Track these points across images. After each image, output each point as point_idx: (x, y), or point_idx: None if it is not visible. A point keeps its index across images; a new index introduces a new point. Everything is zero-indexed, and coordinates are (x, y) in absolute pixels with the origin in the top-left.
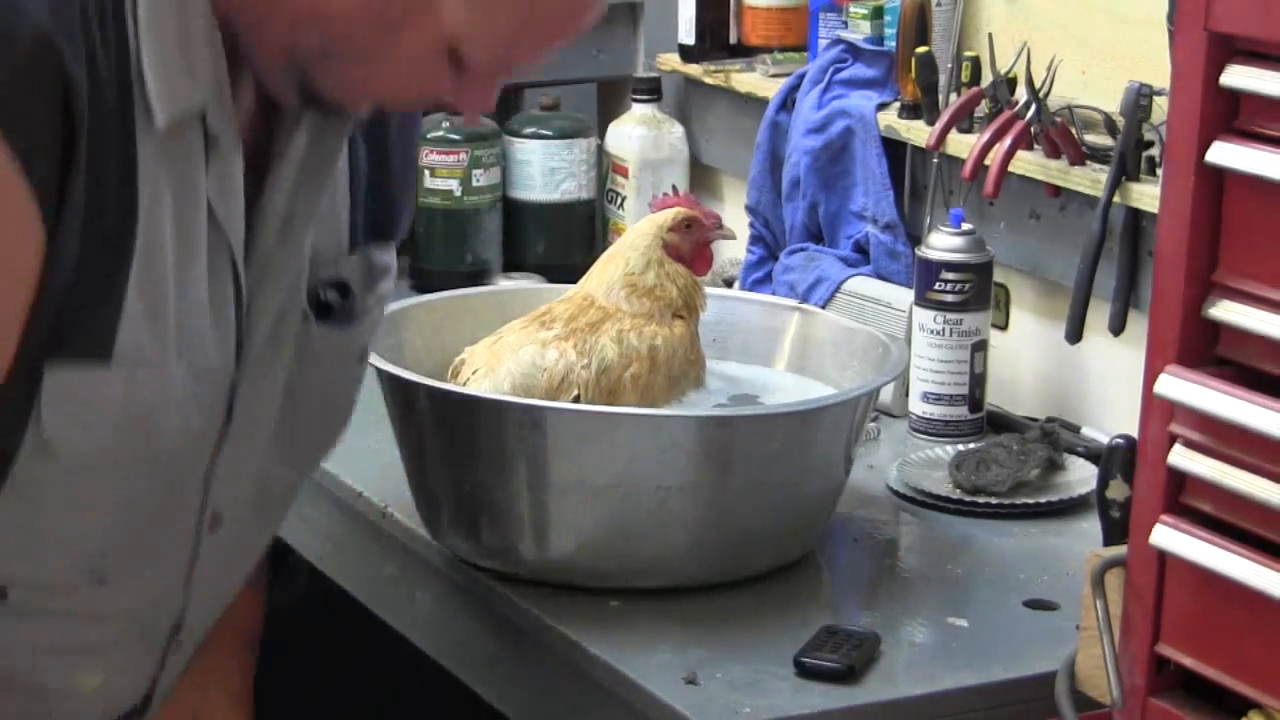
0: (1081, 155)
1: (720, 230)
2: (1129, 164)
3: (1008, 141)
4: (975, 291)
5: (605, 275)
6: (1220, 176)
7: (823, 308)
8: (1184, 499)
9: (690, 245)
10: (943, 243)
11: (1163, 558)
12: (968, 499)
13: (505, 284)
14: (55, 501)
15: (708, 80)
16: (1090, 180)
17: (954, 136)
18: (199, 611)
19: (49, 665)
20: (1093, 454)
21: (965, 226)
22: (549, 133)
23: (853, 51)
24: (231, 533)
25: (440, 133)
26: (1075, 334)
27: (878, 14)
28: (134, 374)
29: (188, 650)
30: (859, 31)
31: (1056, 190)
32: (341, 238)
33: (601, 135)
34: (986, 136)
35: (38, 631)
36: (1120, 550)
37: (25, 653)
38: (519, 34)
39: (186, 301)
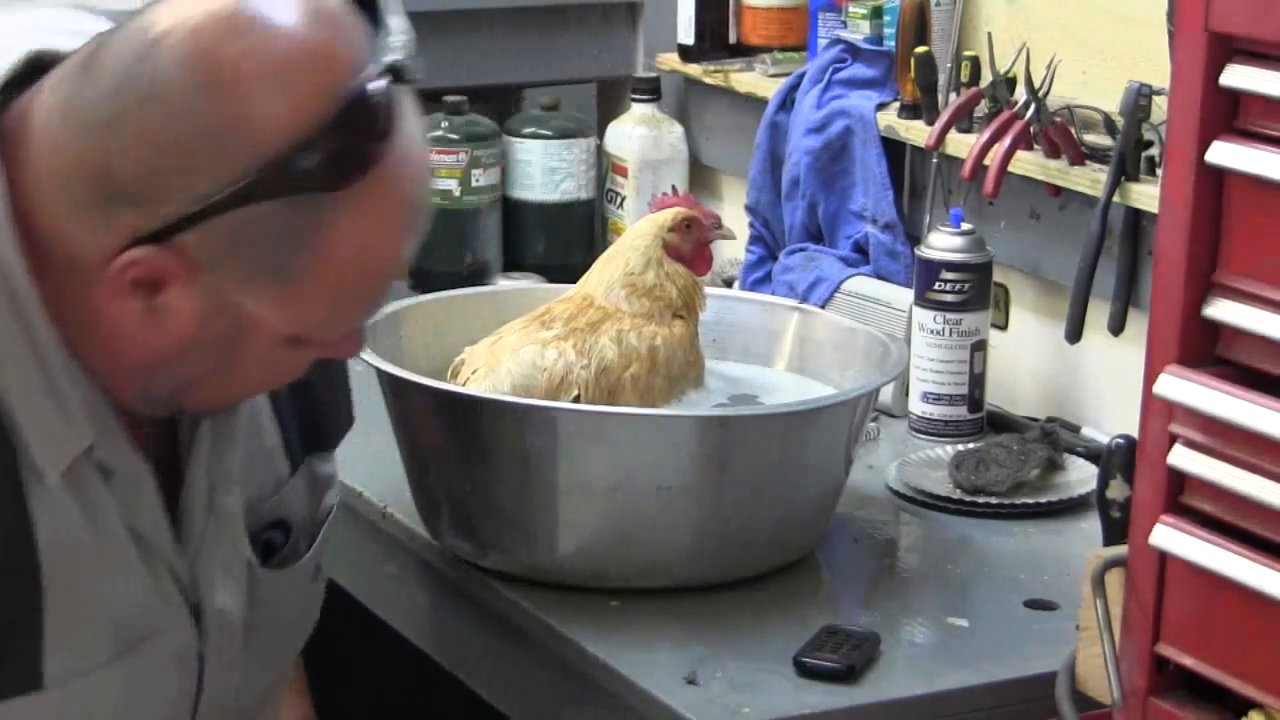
0: (1081, 155)
1: (720, 230)
2: (1128, 164)
3: (1007, 141)
4: (975, 291)
5: (605, 275)
6: (1220, 176)
7: (822, 308)
8: (1184, 499)
9: (690, 245)
10: (942, 242)
11: (1163, 558)
12: (967, 499)
13: (505, 284)
14: None
15: (707, 80)
16: (1090, 180)
17: (953, 136)
18: None
19: None
20: (1093, 454)
21: (965, 226)
22: (548, 132)
23: (852, 51)
24: None
25: (440, 132)
26: (1075, 334)
27: (877, 14)
28: (70, 690)
29: None
30: (858, 31)
31: (1056, 190)
32: (277, 466)
33: (601, 135)
34: (986, 136)
35: None
36: (1120, 550)
37: None
38: (345, 302)
39: (123, 606)
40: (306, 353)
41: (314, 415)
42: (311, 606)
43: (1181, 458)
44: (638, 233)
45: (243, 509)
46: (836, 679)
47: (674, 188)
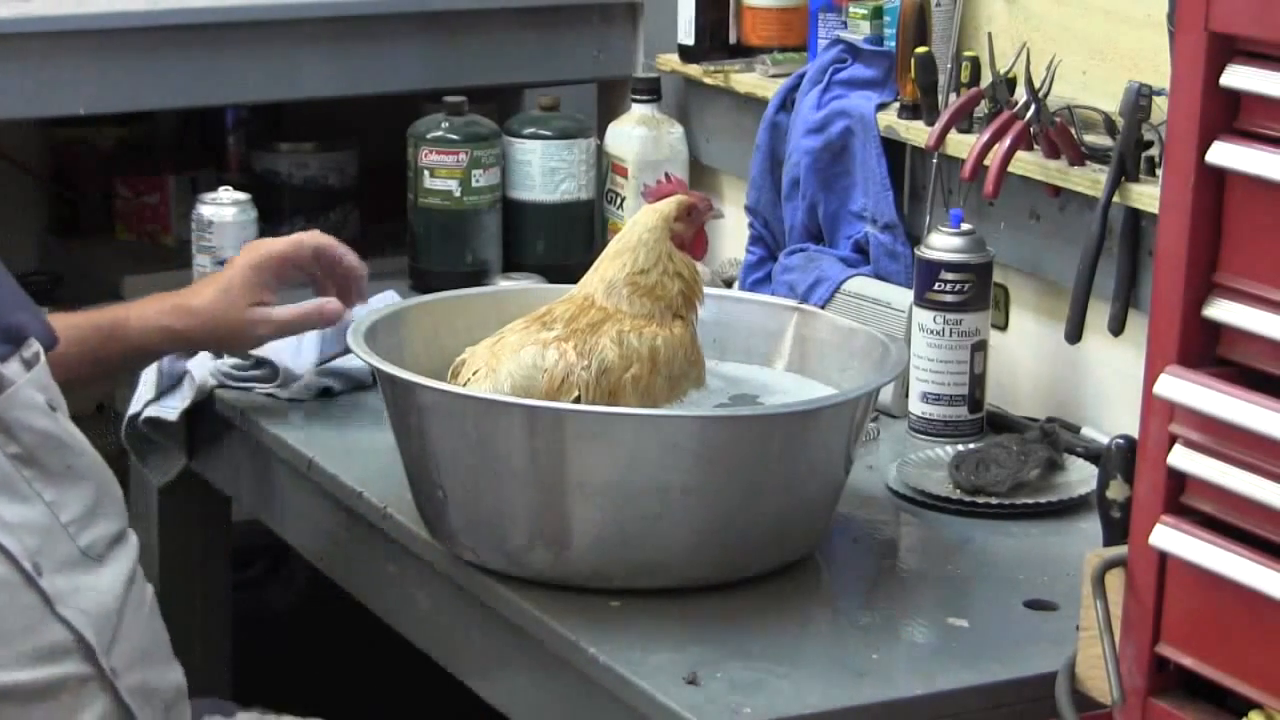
0: (1081, 155)
1: (712, 211)
2: (1129, 164)
3: (1007, 142)
4: (975, 292)
5: (610, 272)
6: (1220, 177)
7: (822, 308)
8: (1184, 499)
9: (692, 232)
10: (942, 243)
11: (1163, 558)
12: (967, 499)
13: (505, 284)
14: None
15: (707, 80)
16: (1090, 180)
17: (953, 137)
18: None
19: None
20: (1092, 454)
21: (965, 227)
22: (548, 133)
23: (852, 52)
24: None
25: (440, 133)
26: (1075, 334)
27: (877, 14)
28: None
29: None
30: (858, 32)
31: (1056, 190)
32: None
33: (601, 135)
34: (986, 137)
35: None
36: (1120, 550)
37: None
38: None
39: None
40: None
41: (5, 323)
42: (71, 436)
43: (1181, 458)
44: (644, 226)
45: None
46: None
47: (667, 174)
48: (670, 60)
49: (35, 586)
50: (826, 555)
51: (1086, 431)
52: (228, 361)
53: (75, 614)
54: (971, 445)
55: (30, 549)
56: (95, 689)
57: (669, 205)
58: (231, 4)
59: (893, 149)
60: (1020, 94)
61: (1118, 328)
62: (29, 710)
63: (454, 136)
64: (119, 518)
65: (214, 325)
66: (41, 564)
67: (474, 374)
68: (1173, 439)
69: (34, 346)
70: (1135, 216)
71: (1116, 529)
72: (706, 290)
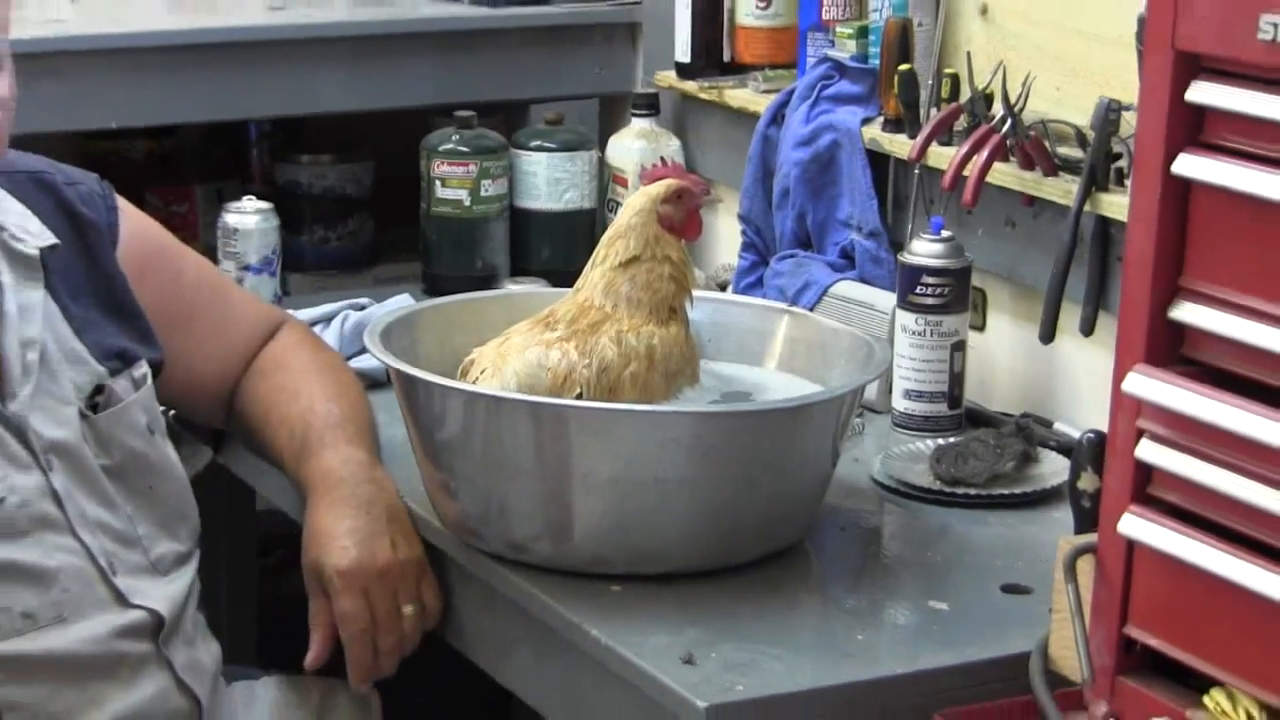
0: (1054, 167)
1: (708, 195)
2: (1099, 175)
3: (985, 154)
4: (954, 295)
5: (607, 266)
6: (1186, 187)
7: (811, 310)
8: (1151, 490)
9: (682, 214)
10: (924, 249)
11: (1131, 545)
12: (947, 490)
13: (512, 288)
14: None
15: (703, 96)
16: (1062, 190)
17: (934, 149)
18: None
19: None
20: (1065, 448)
21: (945, 234)
22: (553, 145)
23: (839, 69)
24: None
25: (451, 146)
26: (1048, 335)
27: (863, 34)
28: None
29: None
30: (845, 50)
31: (1031, 200)
32: (91, 365)
33: (602, 148)
34: (965, 149)
35: None
36: (1091, 538)
37: None
38: None
39: None
40: None
41: (115, 348)
42: (162, 461)
43: (1148, 451)
44: (633, 210)
45: (64, 376)
46: None
47: (663, 159)
48: (668, 77)
49: (108, 583)
50: (815, 543)
51: (1059, 426)
52: None
53: (147, 601)
54: (951, 439)
55: (107, 549)
56: (153, 666)
57: (657, 188)
58: (254, 24)
59: (877, 161)
60: (997, 109)
61: (1088, 329)
62: (85, 682)
63: (464, 149)
64: (189, 540)
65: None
66: (115, 565)
67: (482, 373)
68: (1140, 433)
69: (143, 368)
70: (1105, 224)
71: (1087, 518)
72: (702, 295)
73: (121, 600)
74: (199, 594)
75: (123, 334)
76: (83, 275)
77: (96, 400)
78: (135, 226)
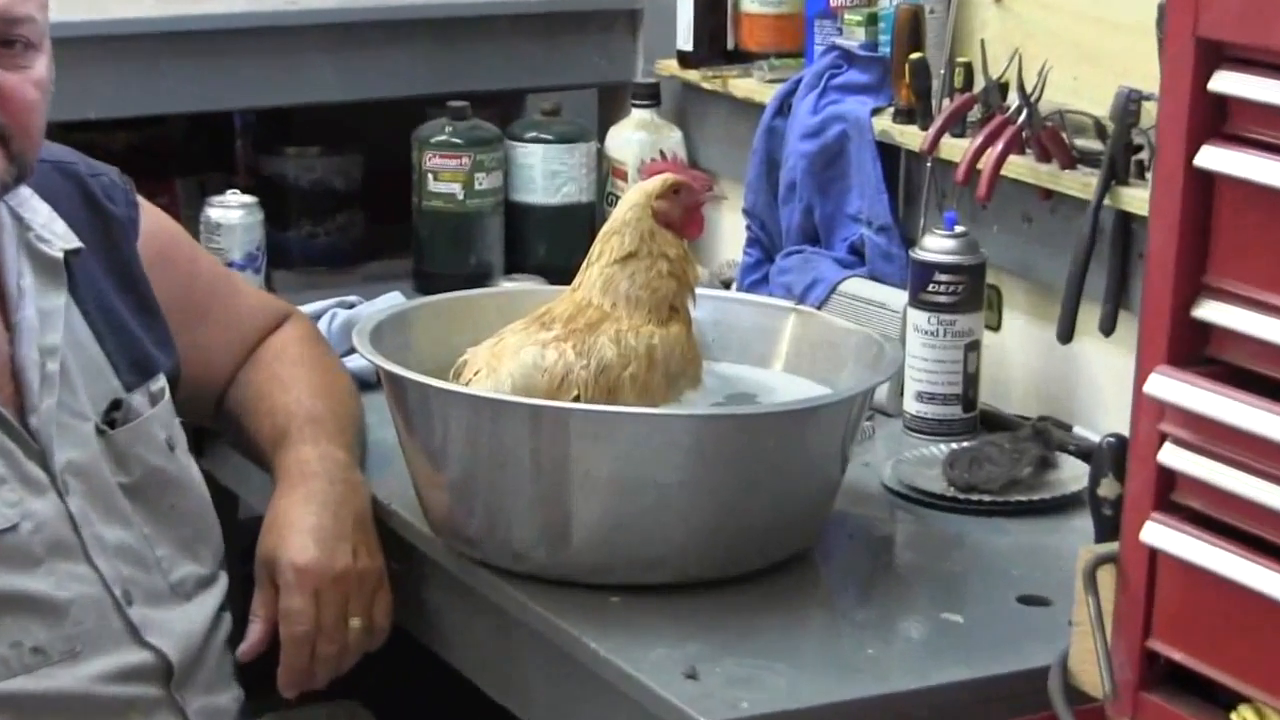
0: (1072, 159)
1: (711, 192)
2: (1119, 168)
3: (1000, 146)
4: (968, 293)
5: (604, 263)
6: (1209, 180)
7: (818, 309)
8: (1174, 496)
9: (680, 210)
10: (936, 245)
11: (1153, 554)
12: (962, 496)
13: (507, 285)
14: None
15: (705, 86)
16: (1081, 184)
17: (947, 141)
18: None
19: None
20: (1084, 452)
21: (958, 229)
22: (550, 137)
23: (848, 57)
24: None
25: (443, 137)
26: (1066, 334)
27: (872, 20)
28: None
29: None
30: (854, 38)
31: (1048, 193)
32: (109, 379)
33: (601, 140)
34: (979, 141)
35: None
36: (1112, 547)
37: None
38: None
39: None
40: None
41: (137, 354)
42: (183, 477)
43: (1171, 456)
44: (628, 205)
45: (81, 390)
46: None
47: (661, 153)
48: (669, 66)
49: (123, 614)
50: (823, 552)
51: (1078, 430)
52: None
53: (162, 640)
54: (965, 443)
55: (123, 575)
56: (165, 712)
57: (653, 183)
58: (239, 10)
59: (888, 153)
60: (1012, 99)
61: (1109, 328)
62: None
63: (457, 141)
64: (212, 561)
65: (278, 527)
66: (132, 592)
67: (475, 374)
68: (1163, 437)
69: (160, 381)
70: (1125, 219)
71: (1108, 525)
72: (705, 292)
73: (135, 635)
74: (229, 629)
75: (145, 336)
76: (108, 273)
77: (114, 415)
78: (154, 221)
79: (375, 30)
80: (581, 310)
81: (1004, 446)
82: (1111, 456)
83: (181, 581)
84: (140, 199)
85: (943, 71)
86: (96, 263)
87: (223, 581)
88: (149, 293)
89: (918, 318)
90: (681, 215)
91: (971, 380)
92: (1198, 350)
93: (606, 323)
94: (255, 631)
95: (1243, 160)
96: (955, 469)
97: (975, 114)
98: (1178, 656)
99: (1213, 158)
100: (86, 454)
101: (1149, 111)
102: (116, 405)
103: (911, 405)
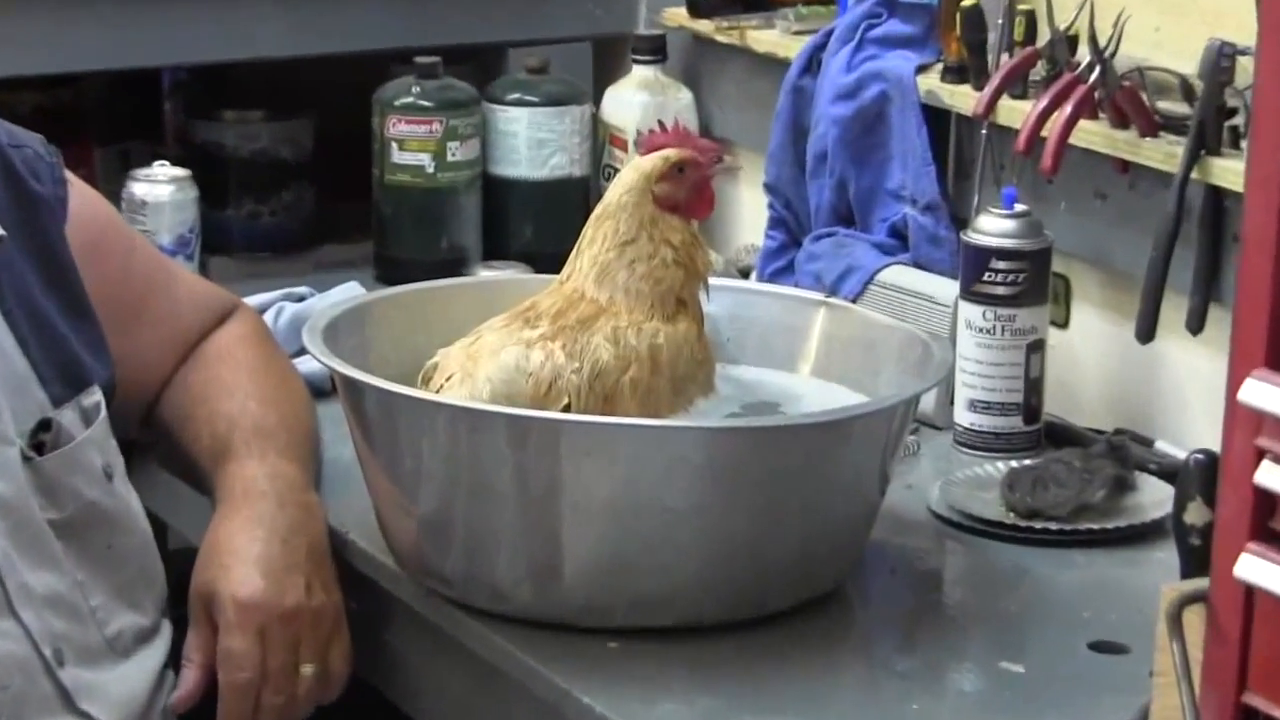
0: (1154, 125)
1: (721, 164)
2: (1209, 135)
3: (1068, 109)
4: (1031, 283)
5: (597, 249)
6: None
7: (854, 302)
8: (1274, 524)
9: (685, 191)
10: (993, 226)
11: (1250, 592)
12: (1023, 524)
13: (485, 275)
14: None
15: (720, 38)
16: (1164, 154)
17: (1005, 103)
18: None
19: None
20: (1168, 471)
21: (1019, 208)
22: (536, 99)
23: (888, 5)
24: None
25: (410, 99)
26: (1147, 332)
27: None
28: None
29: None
30: None
31: (1125, 165)
32: (35, 393)
33: (597, 102)
34: (1043, 103)
35: None
36: (1200, 583)
37: None
38: None
39: None
40: None
41: (66, 360)
42: (122, 511)
43: (1270, 476)
44: (623, 187)
45: (5, 408)
46: None
47: (660, 123)
48: (677, 15)
49: (54, 678)
50: (859, 589)
51: (1161, 445)
52: None
53: (98, 708)
54: (1027, 461)
55: (54, 631)
56: None
57: (651, 162)
58: None
59: (935, 118)
60: (1083, 53)
61: (1197, 325)
62: None
63: (426, 103)
64: (153, 610)
65: (216, 556)
66: (64, 651)
67: (448, 379)
68: (1260, 453)
69: (95, 395)
70: (1217, 196)
71: (1196, 558)
72: (720, 282)
73: (68, 701)
74: (172, 687)
75: (77, 339)
76: (35, 267)
77: (42, 439)
78: (84, 203)
79: None
80: (573, 304)
81: (1073, 465)
82: (1199, 476)
83: (119, 635)
84: (70, 175)
85: (1000, 21)
86: (19, 253)
87: (166, 633)
88: (79, 288)
89: (971, 312)
90: (687, 195)
91: (1034, 387)
92: None
93: (602, 319)
94: (189, 679)
95: None
96: (1015, 492)
97: (1039, 71)
98: (1277, 713)
99: None
100: (10, 486)
101: (1244, 68)
102: (45, 426)
103: (963, 416)
